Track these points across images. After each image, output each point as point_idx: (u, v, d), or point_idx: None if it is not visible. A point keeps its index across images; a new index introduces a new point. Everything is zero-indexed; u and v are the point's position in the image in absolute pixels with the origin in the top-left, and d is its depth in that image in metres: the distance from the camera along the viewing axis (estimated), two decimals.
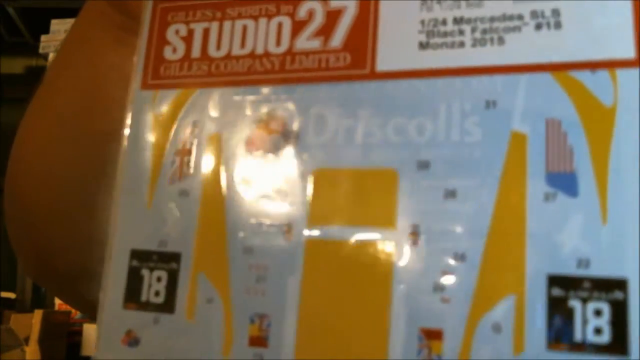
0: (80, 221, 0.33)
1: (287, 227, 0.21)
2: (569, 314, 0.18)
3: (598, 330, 0.18)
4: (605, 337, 0.18)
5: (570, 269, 0.18)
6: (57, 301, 1.97)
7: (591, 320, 0.18)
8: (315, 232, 0.21)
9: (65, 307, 1.87)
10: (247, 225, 0.21)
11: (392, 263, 0.20)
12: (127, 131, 0.24)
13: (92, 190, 0.32)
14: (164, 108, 0.23)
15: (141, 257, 0.22)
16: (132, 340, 0.22)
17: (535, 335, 0.18)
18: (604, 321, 0.18)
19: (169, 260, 0.22)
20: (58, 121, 0.33)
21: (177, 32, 0.24)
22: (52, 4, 2.41)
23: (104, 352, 0.22)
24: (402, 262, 0.20)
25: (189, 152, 0.23)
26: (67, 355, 1.82)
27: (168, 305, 0.22)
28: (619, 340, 0.17)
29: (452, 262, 0.19)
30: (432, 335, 0.19)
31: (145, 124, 0.24)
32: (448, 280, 0.19)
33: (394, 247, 0.20)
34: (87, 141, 0.32)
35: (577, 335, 0.18)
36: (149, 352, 0.22)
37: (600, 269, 0.18)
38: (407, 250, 0.20)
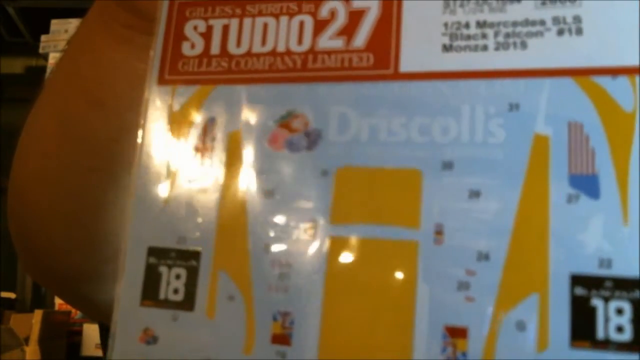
0: (84, 222, 0.32)
1: (310, 225, 0.21)
2: (591, 313, 0.18)
3: (620, 329, 0.18)
4: (626, 335, 0.18)
5: (593, 269, 0.19)
6: (57, 301, 1.94)
7: (613, 319, 0.18)
8: (339, 230, 0.21)
9: (65, 307, 1.84)
10: (269, 222, 0.21)
11: (416, 262, 0.20)
12: (143, 126, 0.23)
13: (97, 191, 0.31)
14: (183, 104, 0.23)
15: (159, 255, 0.22)
16: (150, 339, 0.22)
17: (558, 333, 0.19)
18: (626, 319, 0.18)
19: (188, 257, 0.22)
20: (62, 121, 0.33)
21: (195, 28, 0.24)
22: (52, 4, 2.38)
23: (121, 350, 0.22)
24: (426, 261, 0.20)
25: (209, 149, 0.23)
26: (67, 355, 1.79)
27: (187, 303, 0.21)
28: None
29: (476, 261, 0.20)
30: (457, 334, 0.19)
31: (163, 120, 0.23)
32: (472, 279, 0.20)
33: (418, 246, 0.20)
34: (92, 142, 0.31)
35: (600, 333, 0.18)
36: (167, 350, 0.21)
37: (621, 269, 0.19)
38: (431, 249, 0.20)
